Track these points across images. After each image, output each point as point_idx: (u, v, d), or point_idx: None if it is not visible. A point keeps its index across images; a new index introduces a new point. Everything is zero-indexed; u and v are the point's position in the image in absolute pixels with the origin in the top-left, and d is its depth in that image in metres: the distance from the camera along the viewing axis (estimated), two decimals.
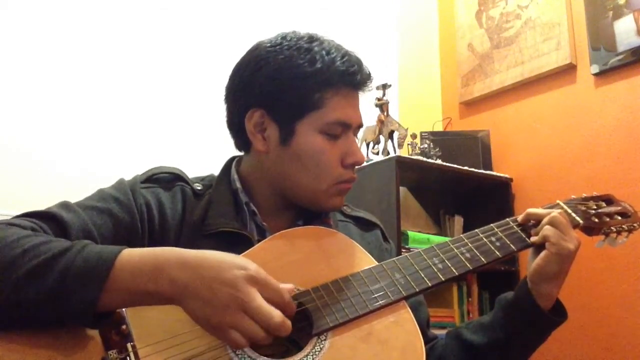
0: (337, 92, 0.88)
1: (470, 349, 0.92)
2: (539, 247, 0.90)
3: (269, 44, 0.90)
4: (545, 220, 0.90)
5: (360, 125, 0.94)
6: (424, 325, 0.97)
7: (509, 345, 0.90)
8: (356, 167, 0.93)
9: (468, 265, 0.86)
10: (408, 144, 2.29)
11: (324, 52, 0.88)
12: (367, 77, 0.92)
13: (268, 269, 0.69)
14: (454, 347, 0.95)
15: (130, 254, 0.67)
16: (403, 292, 0.80)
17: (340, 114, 0.88)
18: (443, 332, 1.07)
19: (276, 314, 0.65)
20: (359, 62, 0.91)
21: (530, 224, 0.93)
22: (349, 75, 0.88)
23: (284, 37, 0.91)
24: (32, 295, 0.63)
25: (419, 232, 2.21)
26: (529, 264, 0.91)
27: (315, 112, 0.87)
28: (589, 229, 0.97)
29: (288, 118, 0.88)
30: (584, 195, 1.02)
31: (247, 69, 0.91)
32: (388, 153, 2.21)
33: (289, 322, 0.66)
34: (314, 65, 0.86)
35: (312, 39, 0.90)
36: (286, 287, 0.70)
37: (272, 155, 0.90)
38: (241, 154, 1.00)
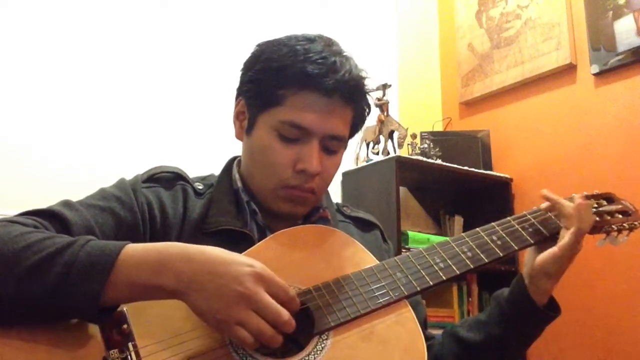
0: (300, 93, 0.84)
1: (467, 347, 0.92)
2: (540, 244, 0.90)
3: (270, 40, 0.92)
4: (576, 225, 0.88)
5: (332, 135, 0.87)
6: (422, 325, 0.97)
7: (505, 341, 0.90)
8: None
9: (469, 264, 0.85)
10: (408, 144, 2.29)
11: (301, 51, 0.85)
12: (344, 85, 0.85)
13: (269, 268, 0.69)
14: (451, 345, 0.95)
15: (135, 248, 0.67)
16: (405, 291, 0.79)
17: (295, 116, 0.84)
18: None
19: (283, 312, 0.65)
20: (335, 68, 0.84)
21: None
22: (314, 77, 0.83)
23: (287, 36, 0.91)
24: (36, 290, 0.63)
25: (419, 232, 2.22)
26: (529, 260, 0.91)
27: (275, 108, 0.87)
28: (591, 228, 0.97)
29: (254, 109, 0.90)
30: (585, 193, 1.01)
31: (246, 61, 0.94)
32: (388, 153, 2.22)
33: (293, 320, 0.66)
34: (283, 62, 0.85)
35: (307, 39, 0.88)
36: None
37: (243, 144, 0.94)
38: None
